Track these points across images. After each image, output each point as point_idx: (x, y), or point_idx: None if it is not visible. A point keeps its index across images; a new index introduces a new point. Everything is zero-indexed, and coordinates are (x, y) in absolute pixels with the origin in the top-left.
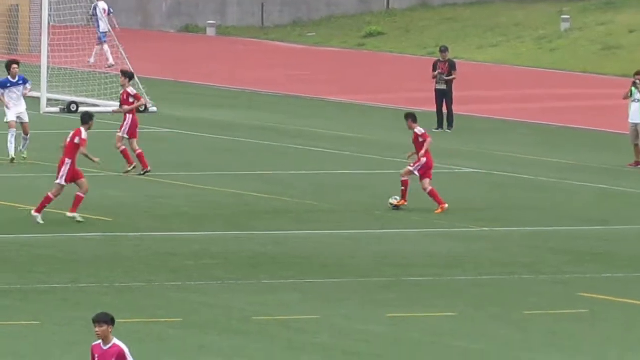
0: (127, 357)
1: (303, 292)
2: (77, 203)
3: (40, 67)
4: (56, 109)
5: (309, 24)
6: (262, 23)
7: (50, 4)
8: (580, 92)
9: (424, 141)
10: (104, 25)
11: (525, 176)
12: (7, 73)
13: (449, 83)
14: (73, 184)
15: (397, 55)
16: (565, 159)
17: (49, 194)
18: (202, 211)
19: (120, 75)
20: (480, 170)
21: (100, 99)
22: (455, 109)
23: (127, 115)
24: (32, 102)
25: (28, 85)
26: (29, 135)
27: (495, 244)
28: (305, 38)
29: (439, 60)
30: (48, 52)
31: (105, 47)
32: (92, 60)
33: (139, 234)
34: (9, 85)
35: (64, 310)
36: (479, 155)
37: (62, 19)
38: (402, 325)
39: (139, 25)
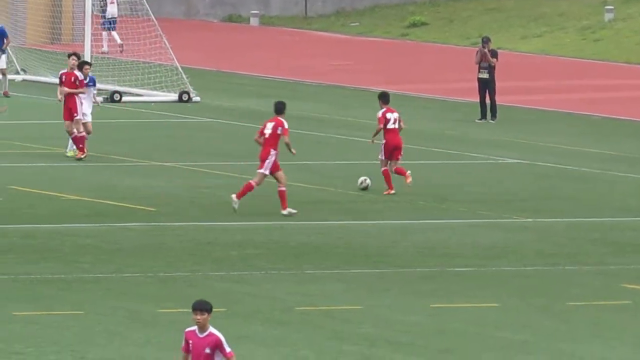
0: (224, 345)
1: (346, 282)
2: (284, 198)
3: (83, 56)
4: (99, 99)
5: (353, 13)
6: (306, 13)
7: None
8: (624, 82)
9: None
10: (112, 11)
11: (568, 167)
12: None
13: (491, 73)
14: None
15: (441, 46)
16: (608, 149)
17: (252, 182)
18: (245, 201)
19: (73, 57)
20: (523, 161)
21: (143, 88)
22: (498, 99)
23: (75, 97)
24: None
25: (94, 90)
26: (89, 135)
27: (539, 235)
28: (348, 28)
29: (481, 51)
30: (91, 41)
31: (104, 34)
32: (105, 48)
33: (183, 223)
34: (91, 84)
35: (107, 300)
36: (522, 145)
37: (104, 8)
38: (445, 316)
39: (182, 14)
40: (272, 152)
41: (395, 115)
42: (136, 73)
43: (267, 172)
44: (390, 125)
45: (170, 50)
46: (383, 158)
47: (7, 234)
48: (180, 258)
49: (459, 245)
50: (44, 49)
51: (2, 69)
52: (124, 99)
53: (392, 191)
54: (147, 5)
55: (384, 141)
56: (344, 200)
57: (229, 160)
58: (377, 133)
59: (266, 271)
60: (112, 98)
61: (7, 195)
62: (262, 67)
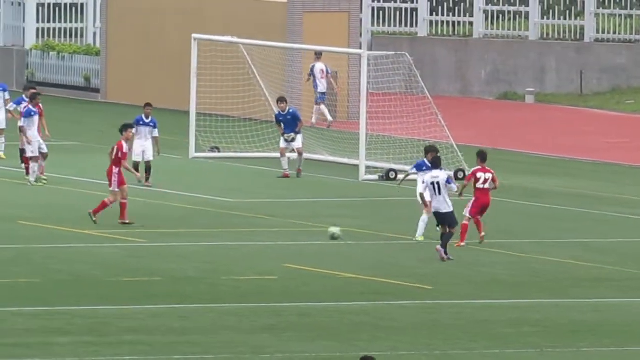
0: None
1: None
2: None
3: (358, 134)
4: (374, 177)
5: (628, 91)
6: (581, 90)
7: (369, 70)
8: None
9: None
10: (322, 86)
11: None
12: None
13: None
14: None
15: None
16: None
17: None
18: (521, 278)
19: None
20: None
21: None
22: None
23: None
24: (351, 169)
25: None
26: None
27: None
28: (624, 105)
29: None
30: (367, 119)
31: (322, 107)
32: (313, 120)
33: (459, 301)
34: (424, 168)
35: None
36: None
37: (380, 85)
38: None
39: (458, 92)
40: None
41: (488, 175)
42: (412, 151)
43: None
44: (479, 185)
45: (446, 128)
46: (469, 215)
47: (283, 312)
48: (456, 336)
49: None
50: (319, 126)
51: (298, 149)
52: (400, 176)
53: (463, 243)
54: (423, 83)
55: (473, 198)
56: (621, 277)
57: (504, 238)
58: (463, 188)
59: (542, 349)
60: (387, 176)
61: (282, 273)
62: (537, 145)
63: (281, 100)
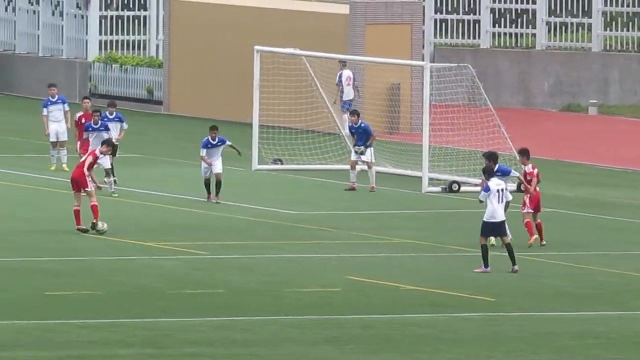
0: None
1: None
2: None
3: (421, 146)
4: (438, 189)
5: None
6: None
7: (432, 83)
8: None
9: (531, 180)
10: (350, 94)
11: None
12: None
13: None
14: None
15: None
16: None
17: None
18: (585, 291)
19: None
20: None
21: (482, 178)
22: None
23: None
24: (414, 182)
25: None
26: None
27: None
28: None
29: None
30: (430, 131)
31: (345, 117)
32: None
33: (522, 314)
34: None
35: None
36: None
37: (443, 97)
38: None
39: (521, 104)
40: None
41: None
42: (475, 163)
43: None
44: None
45: (509, 140)
46: (530, 211)
47: (346, 325)
48: (519, 348)
49: None
50: (382, 139)
51: (368, 163)
52: (463, 189)
53: (535, 236)
54: (486, 95)
55: (529, 195)
56: None
57: (568, 250)
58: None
59: None
60: (450, 188)
61: (345, 285)
62: (601, 157)
63: (353, 113)
